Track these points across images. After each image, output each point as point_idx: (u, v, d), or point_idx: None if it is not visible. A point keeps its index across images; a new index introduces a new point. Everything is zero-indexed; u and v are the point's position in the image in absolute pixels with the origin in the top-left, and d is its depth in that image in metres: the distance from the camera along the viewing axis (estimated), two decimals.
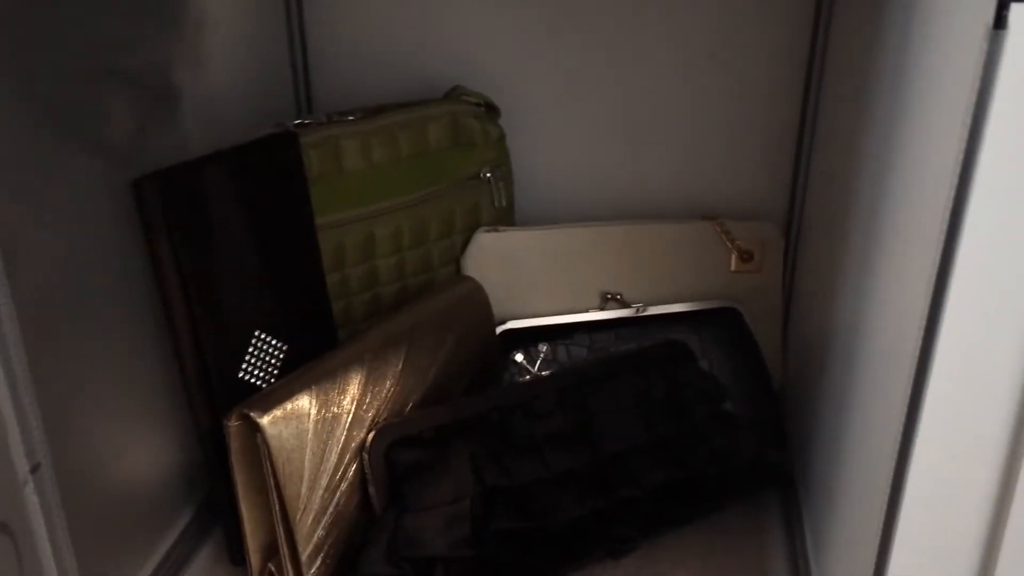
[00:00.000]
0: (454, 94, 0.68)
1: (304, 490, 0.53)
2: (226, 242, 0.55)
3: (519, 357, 0.65)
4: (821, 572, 0.55)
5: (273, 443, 0.52)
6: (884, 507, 0.40)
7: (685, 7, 0.69)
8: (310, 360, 0.56)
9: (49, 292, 0.45)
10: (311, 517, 0.53)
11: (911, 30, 0.43)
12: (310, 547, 0.53)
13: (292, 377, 0.55)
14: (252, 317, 0.57)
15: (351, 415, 0.55)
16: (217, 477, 0.55)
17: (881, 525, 0.41)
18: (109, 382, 0.51)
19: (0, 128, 0.41)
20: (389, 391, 0.58)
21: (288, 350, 0.59)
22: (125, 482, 0.53)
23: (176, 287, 0.52)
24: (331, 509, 0.54)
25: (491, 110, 0.69)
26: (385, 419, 0.57)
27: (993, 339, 0.50)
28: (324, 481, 0.54)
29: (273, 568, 0.55)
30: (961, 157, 0.33)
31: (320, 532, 0.54)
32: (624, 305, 0.70)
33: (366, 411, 0.56)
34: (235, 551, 0.57)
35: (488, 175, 0.69)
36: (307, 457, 0.53)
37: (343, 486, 0.55)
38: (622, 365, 0.62)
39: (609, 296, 0.71)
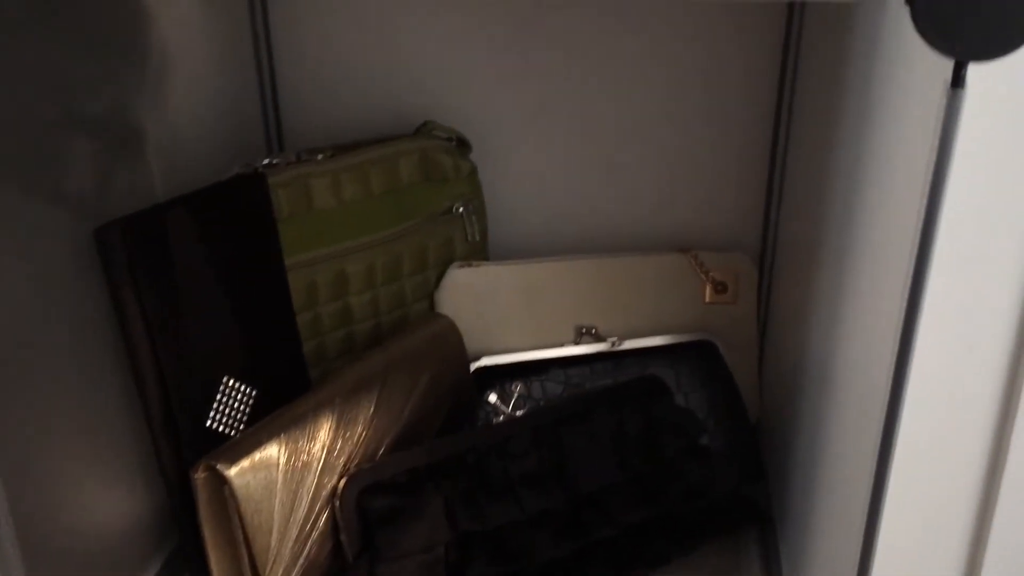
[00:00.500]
0: (425, 129, 0.68)
1: (274, 541, 0.52)
2: (192, 287, 0.54)
3: (492, 397, 0.65)
4: None
5: (241, 495, 0.51)
6: (860, 542, 0.40)
7: (657, 42, 0.69)
8: (281, 404, 0.56)
9: (10, 341, 0.44)
10: (281, 569, 0.52)
11: (873, 80, 0.43)
12: None
13: (260, 425, 0.54)
14: (220, 363, 0.56)
15: (321, 462, 0.55)
16: (186, 528, 0.54)
17: (858, 561, 0.40)
18: (73, 431, 0.50)
19: None
20: (361, 435, 0.57)
21: (258, 395, 0.58)
22: (90, 533, 0.52)
23: (141, 335, 0.51)
24: (302, 560, 0.53)
25: (462, 145, 0.68)
26: (357, 464, 0.56)
27: (962, 374, 0.50)
28: (294, 532, 0.53)
29: None
30: (924, 206, 0.33)
31: None
32: (599, 339, 0.70)
33: (337, 457, 0.55)
34: None
35: (461, 210, 0.69)
36: (276, 508, 0.52)
37: (314, 535, 0.54)
38: (597, 402, 0.62)
39: (584, 330, 0.70)
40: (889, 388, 0.38)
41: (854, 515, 0.41)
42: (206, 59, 0.64)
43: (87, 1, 0.48)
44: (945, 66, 0.31)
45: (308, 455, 0.54)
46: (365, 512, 0.54)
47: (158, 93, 0.56)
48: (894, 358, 0.37)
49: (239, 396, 0.57)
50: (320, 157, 0.63)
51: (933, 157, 0.32)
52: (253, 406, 0.58)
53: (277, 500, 0.52)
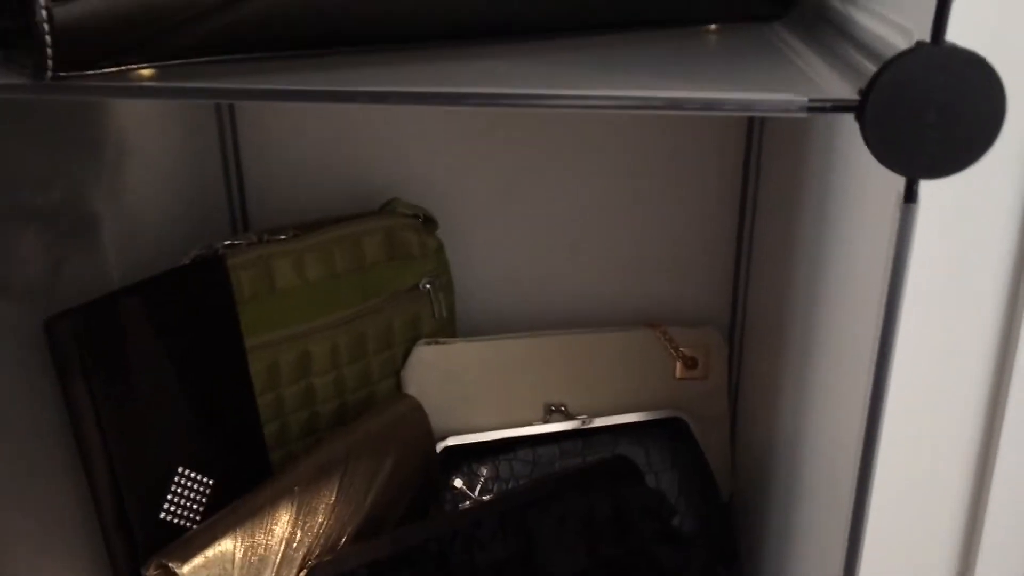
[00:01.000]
0: (390, 207, 0.67)
1: None
2: (146, 377, 0.52)
3: (458, 483, 0.63)
4: None
5: None
6: None
7: (624, 125, 0.69)
8: (240, 492, 0.54)
9: None
10: None
11: (829, 190, 0.43)
12: None
13: (215, 519, 0.52)
14: (174, 453, 0.54)
15: (280, 555, 0.53)
16: None
17: None
18: (23, 527, 0.48)
19: None
20: (322, 525, 0.55)
21: (215, 485, 0.56)
22: None
23: (91, 428, 0.50)
24: None
25: (428, 222, 0.68)
26: (317, 556, 0.54)
27: (932, 450, 0.50)
28: None
29: None
30: (882, 313, 0.33)
31: None
32: (568, 417, 0.69)
33: (296, 550, 0.54)
34: None
35: (427, 286, 0.68)
36: None
37: None
38: (564, 485, 0.61)
39: (553, 408, 0.69)
40: (856, 475, 0.37)
41: None
42: (167, 145, 0.64)
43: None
44: (897, 180, 0.31)
45: (266, 548, 0.52)
46: None
47: (115, 182, 0.55)
48: (860, 447, 0.37)
49: (195, 486, 0.55)
50: (283, 237, 0.62)
51: (889, 267, 0.32)
52: (211, 496, 0.56)
53: None
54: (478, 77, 0.35)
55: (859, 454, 0.37)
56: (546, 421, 0.69)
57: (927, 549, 0.51)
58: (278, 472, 0.57)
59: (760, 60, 0.39)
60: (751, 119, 0.67)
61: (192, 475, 0.55)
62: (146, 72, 0.32)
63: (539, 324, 0.72)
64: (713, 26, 0.45)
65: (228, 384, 0.58)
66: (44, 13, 0.29)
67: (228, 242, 0.60)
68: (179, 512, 0.54)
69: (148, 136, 0.60)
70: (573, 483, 0.61)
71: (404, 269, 0.67)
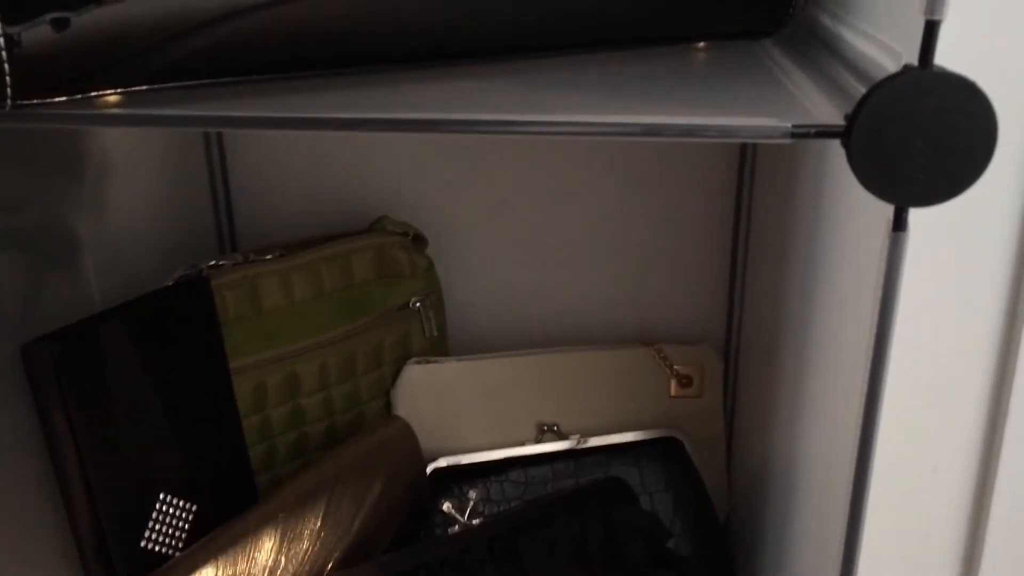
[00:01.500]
0: (379, 225, 0.66)
1: None
2: (127, 401, 0.51)
3: (447, 506, 0.62)
4: None
5: None
6: None
7: (616, 147, 0.68)
8: (225, 517, 0.53)
9: None
10: None
11: (820, 215, 0.43)
12: None
13: (197, 546, 0.51)
14: (156, 479, 0.53)
15: None
16: None
17: None
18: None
19: None
20: (307, 552, 0.54)
21: (198, 511, 0.55)
22: None
23: (70, 454, 0.49)
24: None
25: (418, 240, 0.67)
26: None
27: (925, 474, 0.49)
28: None
29: None
30: (873, 337, 0.33)
31: None
32: (561, 436, 0.67)
33: None
34: None
35: (417, 305, 0.67)
36: None
37: None
38: (556, 508, 0.59)
39: (545, 427, 0.68)
40: (851, 490, 0.36)
41: None
42: (151, 164, 0.63)
43: None
44: (887, 206, 0.30)
45: None
46: None
47: (97, 204, 0.54)
48: (854, 462, 0.36)
49: (177, 512, 0.54)
50: (269, 257, 0.61)
51: (879, 295, 0.31)
52: (193, 522, 0.55)
53: None
54: (457, 100, 0.34)
55: (853, 474, 0.36)
56: (539, 441, 0.67)
57: (923, 569, 0.50)
58: (262, 497, 0.56)
59: (748, 81, 0.38)
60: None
61: (175, 501, 0.54)
62: (112, 99, 0.31)
63: (531, 342, 0.71)
64: (702, 44, 0.44)
65: (212, 407, 0.57)
66: (1, 40, 0.28)
67: (213, 262, 0.59)
68: (161, 540, 0.53)
69: (131, 155, 0.60)
70: (565, 506, 0.60)
71: (394, 288, 0.66)
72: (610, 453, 0.66)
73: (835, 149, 0.30)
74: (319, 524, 0.55)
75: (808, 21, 0.44)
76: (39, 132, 0.49)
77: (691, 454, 0.67)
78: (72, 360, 0.48)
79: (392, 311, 0.66)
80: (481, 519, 0.62)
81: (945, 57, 0.28)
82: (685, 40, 0.44)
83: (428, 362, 0.67)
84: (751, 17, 0.43)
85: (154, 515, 0.53)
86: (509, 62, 0.39)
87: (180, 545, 0.54)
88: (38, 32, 0.29)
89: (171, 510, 0.54)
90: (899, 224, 0.29)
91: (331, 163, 0.70)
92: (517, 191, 0.70)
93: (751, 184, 0.67)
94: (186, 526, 0.54)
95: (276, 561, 0.52)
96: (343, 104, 0.32)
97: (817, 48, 0.41)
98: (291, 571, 0.53)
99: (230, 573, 0.50)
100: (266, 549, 0.52)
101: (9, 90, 0.29)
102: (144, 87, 0.32)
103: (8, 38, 0.28)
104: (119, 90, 0.31)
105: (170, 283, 0.57)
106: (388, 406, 0.67)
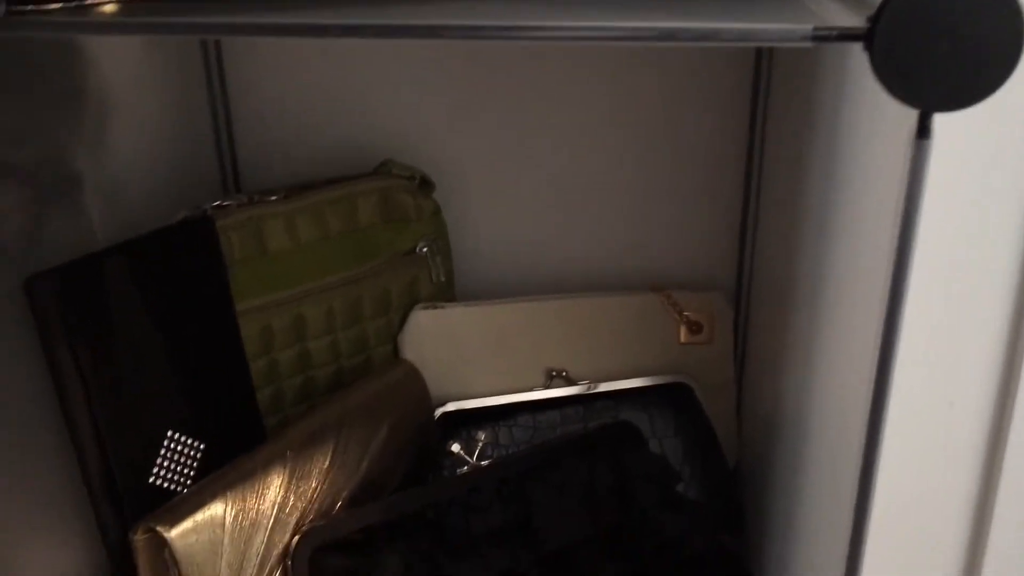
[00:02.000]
0: (384, 168, 0.65)
1: None
2: (132, 338, 0.51)
3: (456, 447, 0.62)
4: None
5: (182, 557, 0.48)
6: None
7: (626, 81, 0.67)
8: (231, 458, 0.53)
9: None
10: None
11: (839, 127, 0.41)
12: None
13: (205, 482, 0.51)
14: (163, 416, 0.53)
15: (272, 520, 0.52)
16: None
17: None
18: (6, 492, 0.47)
19: None
20: (315, 490, 0.54)
21: (206, 449, 0.55)
22: None
23: (76, 390, 0.49)
24: None
25: (425, 184, 0.66)
26: (311, 521, 0.53)
27: (941, 415, 0.48)
28: None
29: None
30: (894, 251, 0.32)
31: None
32: (570, 382, 0.67)
33: (289, 514, 0.52)
34: None
35: (424, 250, 0.66)
36: (222, 570, 0.49)
37: None
38: (565, 451, 0.59)
39: (554, 373, 0.68)
40: (865, 434, 0.36)
41: (833, 568, 0.39)
42: (154, 102, 0.62)
43: (16, 47, 0.46)
44: (910, 114, 0.29)
45: (257, 513, 0.51)
46: (320, 572, 0.51)
47: (98, 139, 0.53)
48: (868, 404, 0.35)
49: (185, 450, 0.54)
50: (274, 198, 0.60)
51: (901, 206, 0.30)
52: (201, 460, 0.55)
53: (223, 561, 0.49)
54: (463, 10, 0.33)
55: (867, 418, 0.35)
56: (547, 387, 0.67)
57: (937, 515, 0.50)
58: (270, 437, 0.56)
59: None
60: (758, 66, 0.64)
61: (183, 439, 0.54)
62: (109, 7, 0.30)
63: (539, 289, 0.70)
64: None
65: (219, 347, 0.57)
66: None
67: (217, 203, 0.58)
68: (169, 476, 0.53)
69: (133, 92, 0.59)
70: (574, 449, 0.59)
71: (400, 232, 0.65)
72: (619, 399, 0.66)
73: (856, 56, 0.28)
74: (327, 463, 0.55)
75: None
76: (40, 63, 0.48)
77: (700, 401, 0.66)
78: (76, 295, 0.48)
79: (399, 256, 0.65)
80: (489, 461, 0.62)
81: None
82: None
83: (435, 307, 0.67)
84: None
85: (162, 452, 0.52)
86: None
87: (188, 482, 0.54)
88: None
89: (179, 448, 0.53)
90: (923, 131, 0.28)
91: (335, 105, 0.68)
92: (524, 135, 0.69)
93: (763, 120, 0.66)
94: (194, 464, 0.54)
95: (285, 498, 0.52)
96: (345, 14, 0.31)
97: None
98: (300, 509, 0.53)
99: (239, 509, 0.50)
100: (275, 486, 0.52)
101: None
102: None
103: None
104: None
105: (175, 222, 0.56)
106: (395, 351, 0.67)
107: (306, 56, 0.68)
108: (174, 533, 0.48)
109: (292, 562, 0.51)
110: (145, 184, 0.59)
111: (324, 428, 0.56)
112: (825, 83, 0.45)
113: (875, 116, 0.34)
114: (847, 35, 0.28)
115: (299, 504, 0.53)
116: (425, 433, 0.63)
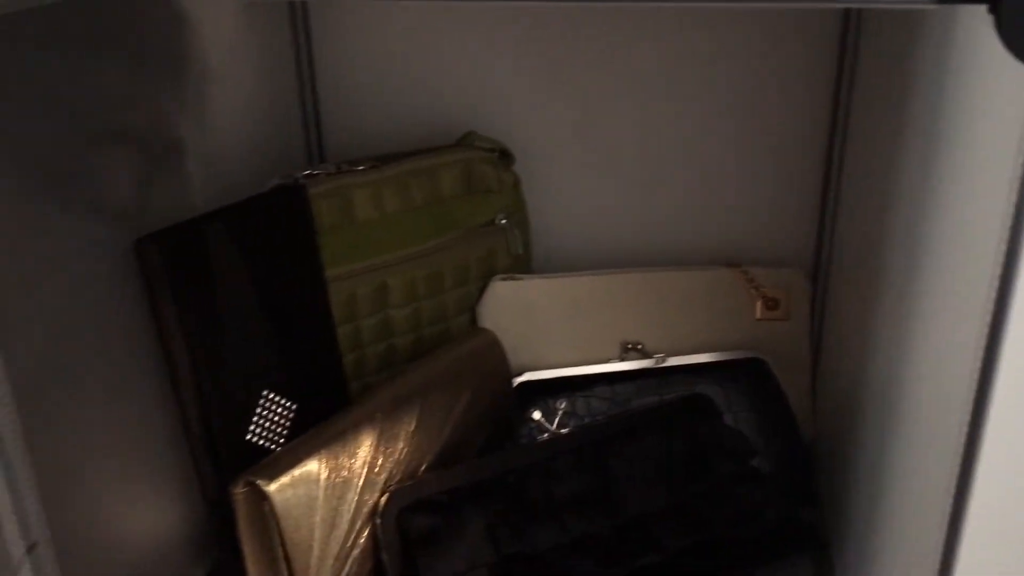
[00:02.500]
0: (467, 140, 0.66)
1: (314, 559, 0.51)
2: (232, 300, 0.53)
3: (536, 415, 0.63)
4: None
5: (281, 511, 0.50)
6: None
7: (705, 52, 0.67)
8: (319, 419, 0.55)
9: (46, 360, 0.43)
10: None
11: (944, 93, 0.41)
12: None
13: (300, 441, 0.53)
14: (260, 377, 0.55)
15: (363, 479, 0.53)
16: (225, 546, 0.53)
17: None
18: (111, 446, 0.49)
19: None
20: (402, 452, 0.56)
21: (298, 409, 0.57)
22: (129, 550, 0.51)
23: (181, 349, 0.51)
24: None
25: (505, 156, 0.67)
26: (398, 481, 0.55)
27: None
28: (335, 549, 0.52)
29: None
30: (1009, 227, 0.31)
31: None
32: (645, 355, 0.68)
33: (378, 474, 0.54)
34: None
35: (503, 222, 0.67)
36: (317, 524, 0.51)
37: (355, 553, 0.53)
38: (642, 422, 0.60)
39: (629, 346, 0.68)
40: (970, 413, 0.35)
41: (927, 547, 0.38)
42: (247, 71, 0.64)
43: (127, 16, 0.48)
44: None
45: (349, 471, 0.53)
46: (406, 531, 0.53)
47: (198, 105, 0.55)
48: (975, 383, 0.34)
49: (279, 410, 0.56)
50: (361, 168, 0.62)
51: (1016, 185, 0.30)
52: (293, 420, 0.57)
53: (318, 516, 0.51)
54: None
55: (971, 400, 0.34)
56: (622, 359, 0.68)
57: None
58: (358, 400, 0.58)
59: None
60: (844, 39, 0.64)
61: (276, 399, 0.56)
62: None
63: (616, 261, 0.71)
64: None
65: (310, 312, 0.59)
66: None
67: (307, 172, 0.60)
68: (264, 434, 0.55)
69: (230, 61, 0.60)
70: (651, 420, 0.60)
71: (481, 204, 0.66)
72: (695, 373, 0.66)
73: (965, 23, 0.28)
74: (414, 427, 0.56)
75: None
76: (147, 31, 0.50)
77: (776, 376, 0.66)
78: (182, 256, 0.50)
79: (479, 227, 0.66)
80: (568, 430, 0.63)
81: None
82: None
83: (513, 279, 0.68)
84: None
85: (258, 410, 0.54)
86: None
87: (281, 441, 0.56)
88: None
89: (273, 407, 0.55)
90: None
91: (418, 78, 0.69)
92: (603, 109, 0.69)
93: (849, 89, 0.65)
94: (287, 424, 0.56)
95: (374, 458, 0.54)
96: None
97: None
98: (388, 469, 0.54)
99: (332, 466, 0.52)
100: (365, 446, 0.53)
101: None
102: None
103: None
104: None
105: (268, 189, 0.58)
106: (473, 321, 0.68)
107: (391, 30, 0.69)
108: (273, 487, 0.50)
109: (380, 520, 0.53)
110: (239, 151, 0.61)
111: (410, 393, 0.57)
112: (926, 56, 0.45)
113: (987, 89, 0.34)
114: None
115: (387, 465, 0.55)
116: (504, 401, 0.64)
